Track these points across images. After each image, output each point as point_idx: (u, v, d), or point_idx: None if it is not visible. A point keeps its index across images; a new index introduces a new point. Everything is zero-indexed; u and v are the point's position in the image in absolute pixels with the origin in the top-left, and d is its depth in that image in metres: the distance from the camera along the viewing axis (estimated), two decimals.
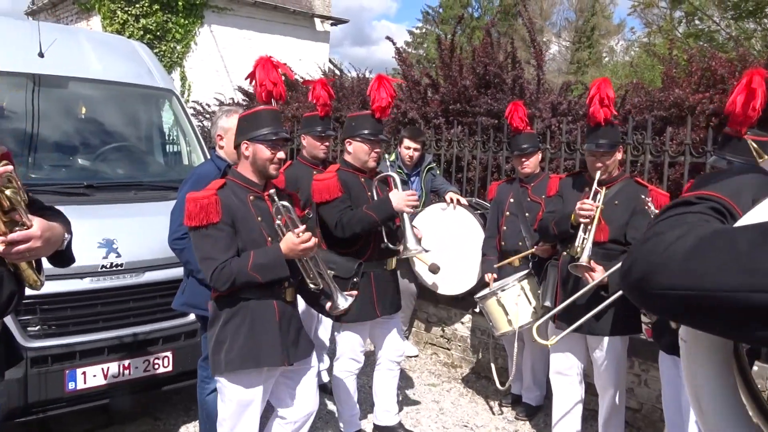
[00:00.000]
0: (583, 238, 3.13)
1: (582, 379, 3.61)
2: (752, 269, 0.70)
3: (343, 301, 2.75)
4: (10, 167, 1.76)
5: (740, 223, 0.83)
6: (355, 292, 2.85)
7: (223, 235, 2.53)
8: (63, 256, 2.03)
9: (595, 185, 3.20)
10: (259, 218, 2.63)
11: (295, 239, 2.56)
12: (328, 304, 2.81)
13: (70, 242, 2.03)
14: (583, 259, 3.07)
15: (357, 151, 3.54)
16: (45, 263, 2.03)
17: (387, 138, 5.41)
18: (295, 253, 2.59)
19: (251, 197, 2.64)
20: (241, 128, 2.68)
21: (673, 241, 0.80)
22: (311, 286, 2.75)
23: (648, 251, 0.83)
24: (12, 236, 1.72)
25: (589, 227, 3.10)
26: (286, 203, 2.66)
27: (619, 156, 3.34)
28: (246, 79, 2.95)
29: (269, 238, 2.61)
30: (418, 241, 3.50)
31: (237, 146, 2.70)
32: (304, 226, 2.63)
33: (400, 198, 3.33)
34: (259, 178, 2.69)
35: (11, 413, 3.22)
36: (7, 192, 1.72)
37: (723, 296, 0.72)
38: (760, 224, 0.76)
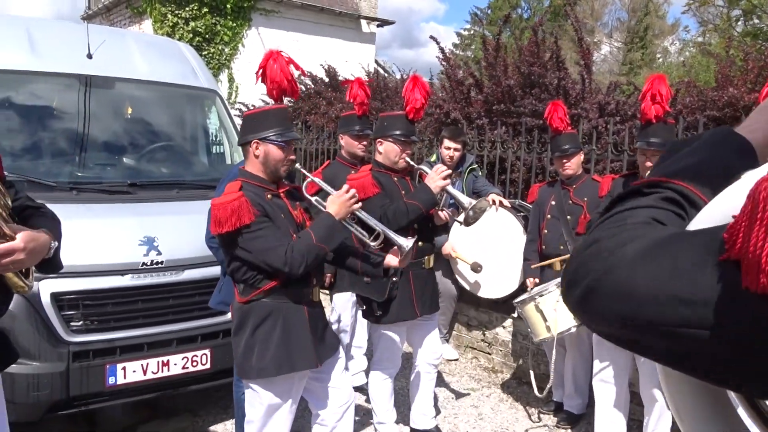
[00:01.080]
0: None
1: (627, 387, 3.47)
2: (689, 300, 0.59)
3: (406, 241, 2.77)
4: None
5: (694, 223, 0.70)
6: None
7: (271, 225, 2.52)
8: (49, 264, 1.98)
9: None
10: (282, 215, 2.62)
11: (338, 195, 2.63)
12: (388, 260, 2.82)
13: (57, 249, 1.98)
14: None
15: (388, 151, 3.49)
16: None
17: (419, 139, 5.35)
18: (344, 209, 2.63)
19: (269, 196, 2.62)
20: (249, 126, 2.64)
21: (611, 250, 0.68)
22: (372, 244, 2.78)
23: (585, 261, 0.71)
24: (2, 246, 1.69)
25: None
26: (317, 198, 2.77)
27: None
28: (258, 77, 2.89)
29: (294, 234, 2.59)
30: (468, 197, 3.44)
31: (244, 144, 2.67)
32: (346, 187, 2.71)
33: (432, 178, 3.27)
34: (270, 178, 2.66)
35: (54, 406, 3.30)
36: None
37: (660, 330, 0.62)
38: (706, 235, 0.63)
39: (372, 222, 2.82)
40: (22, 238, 1.75)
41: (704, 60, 12.28)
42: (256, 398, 2.62)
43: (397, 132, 3.44)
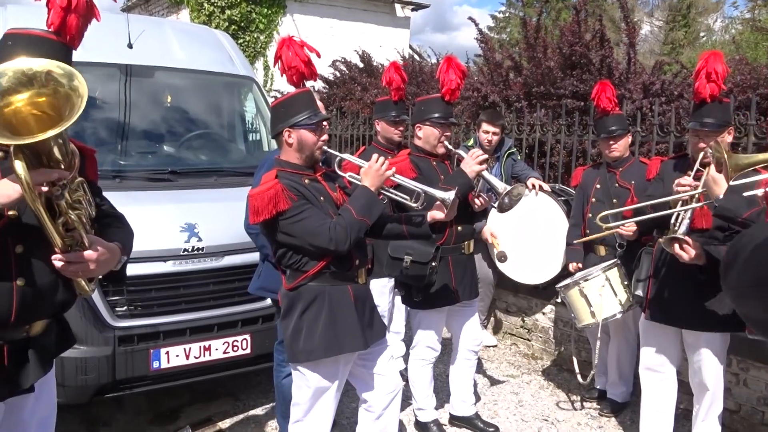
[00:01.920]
0: (680, 214, 2.85)
1: (675, 376, 3.37)
2: None
3: (447, 194, 2.74)
4: (79, 180, 1.80)
5: None
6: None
7: (311, 207, 2.51)
8: (116, 276, 2.06)
9: (697, 165, 2.92)
10: (322, 198, 2.61)
11: (372, 166, 2.61)
12: (432, 214, 2.77)
13: (125, 264, 2.07)
14: (680, 232, 2.80)
15: (427, 135, 3.44)
16: None
17: (458, 121, 5.27)
18: (378, 179, 2.61)
19: (306, 180, 2.61)
20: (279, 116, 2.63)
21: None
22: (414, 205, 2.77)
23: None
24: (69, 256, 1.78)
25: (688, 204, 2.83)
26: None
27: (729, 138, 3.01)
28: (280, 70, 2.87)
29: (334, 216, 2.57)
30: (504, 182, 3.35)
31: (277, 135, 2.66)
32: (375, 155, 2.68)
33: (468, 163, 3.20)
34: (306, 163, 2.65)
35: (101, 389, 3.37)
36: (72, 215, 1.76)
37: None
38: None
39: (410, 184, 2.79)
40: (96, 249, 1.83)
41: (753, 36, 11.80)
42: (304, 381, 2.63)
43: (436, 115, 3.38)
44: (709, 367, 3.11)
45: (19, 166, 1.59)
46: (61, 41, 1.85)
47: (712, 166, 2.50)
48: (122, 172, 3.92)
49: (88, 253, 1.80)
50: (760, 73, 4.40)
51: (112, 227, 2.07)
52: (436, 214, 2.75)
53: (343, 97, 8.85)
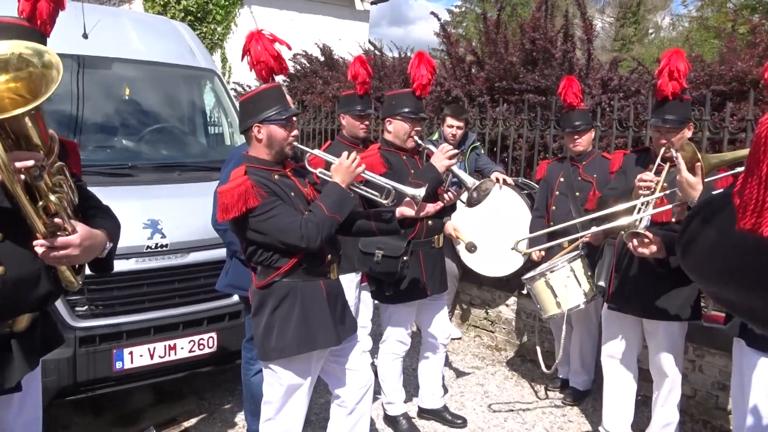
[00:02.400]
0: (640, 208, 2.94)
1: (636, 363, 3.47)
2: None
3: (417, 190, 2.73)
4: (59, 164, 1.74)
5: None
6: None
7: (281, 204, 2.48)
8: (102, 264, 2.01)
9: (658, 160, 3.01)
10: (292, 194, 2.58)
11: (343, 163, 2.59)
12: (401, 210, 2.75)
13: (112, 251, 2.01)
14: (641, 227, 2.88)
15: (397, 129, 3.45)
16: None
17: (428, 116, 5.29)
18: (349, 175, 2.59)
19: (275, 176, 2.57)
20: (248, 111, 2.58)
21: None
22: (384, 201, 2.75)
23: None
24: (51, 241, 1.72)
25: (650, 201, 2.91)
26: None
27: (688, 134, 3.12)
28: (248, 63, 2.82)
29: (305, 212, 2.54)
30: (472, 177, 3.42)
31: (246, 131, 2.61)
32: (345, 153, 2.66)
33: (437, 157, 3.21)
34: (276, 158, 2.61)
35: (62, 392, 3.27)
36: (53, 198, 1.71)
37: None
38: None
39: (380, 181, 2.78)
40: (79, 234, 1.77)
41: (700, 34, 12.20)
42: (276, 378, 2.60)
43: (406, 110, 3.39)
44: (668, 354, 3.23)
45: None
46: (33, 27, 1.80)
47: (683, 169, 2.49)
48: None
49: (71, 238, 1.75)
50: (713, 70, 4.54)
51: (97, 217, 2.00)
52: (405, 211, 2.73)
53: (304, 90, 8.77)
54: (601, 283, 3.33)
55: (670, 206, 2.78)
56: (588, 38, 5.47)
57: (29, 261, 1.80)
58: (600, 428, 3.64)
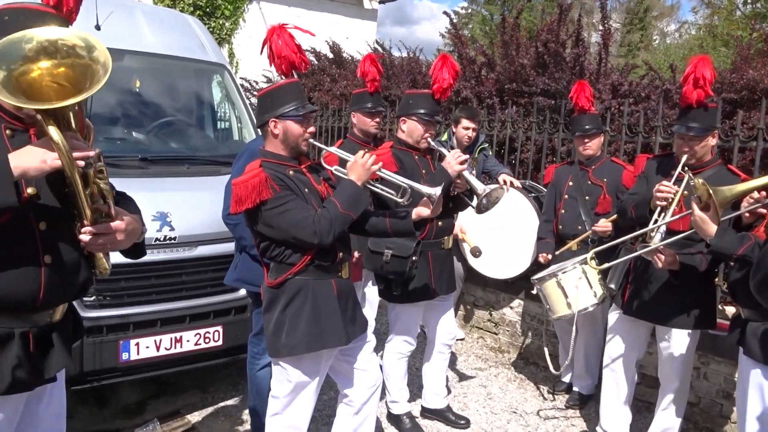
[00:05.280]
0: (656, 221, 2.94)
1: (635, 368, 3.49)
2: None
3: (433, 189, 2.70)
4: (98, 151, 1.75)
5: None
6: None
7: (295, 198, 2.47)
8: (137, 249, 2.03)
9: (678, 169, 3.01)
10: (306, 190, 2.57)
11: (358, 160, 2.58)
12: (418, 211, 2.71)
13: (144, 237, 2.04)
14: (655, 241, 2.90)
15: (411, 130, 3.45)
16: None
17: (442, 120, 5.29)
18: (365, 173, 2.58)
19: (290, 172, 2.57)
20: (265, 105, 2.58)
21: None
22: (399, 200, 2.74)
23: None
24: (98, 228, 1.73)
25: (666, 211, 2.92)
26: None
27: (712, 142, 3.10)
28: (268, 58, 2.80)
29: (318, 209, 2.53)
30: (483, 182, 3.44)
31: (262, 125, 2.61)
32: (361, 152, 2.66)
33: (449, 162, 3.19)
34: (291, 154, 2.61)
35: (68, 381, 3.22)
36: (101, 184, 1.73)
37: None
38: None
39: (396, 179, 2.76)
40: (125, 220, 1.80)
41: (709, 42, 12.19)
42: (284, 375, 2.60)
43: (422, 111, 3.39)
44: (678, 363, 3.23)
45: (54, 132, 1.54)
46: (59, 15, 1.80)
47: (695, 206, 2.51)
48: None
49: (117, 224, 1.76)
50: (724, 78, 4.54)
51: (122, 203, 2.01)
52: (422, 211, 2.70)
53: (312, 87, 8.76)
54: (612, 286, 3.33)
55: (687, 212, 2.76)
56: (605, 43, 5.47)
57: (71, 250, 1.83)
58: (597, 428, 3.66)
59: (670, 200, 2.90)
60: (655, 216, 2.95)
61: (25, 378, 1.80)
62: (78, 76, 1.59)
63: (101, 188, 1.73)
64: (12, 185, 1.59)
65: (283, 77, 2.73)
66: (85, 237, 1.72)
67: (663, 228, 2.94)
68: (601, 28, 5.45)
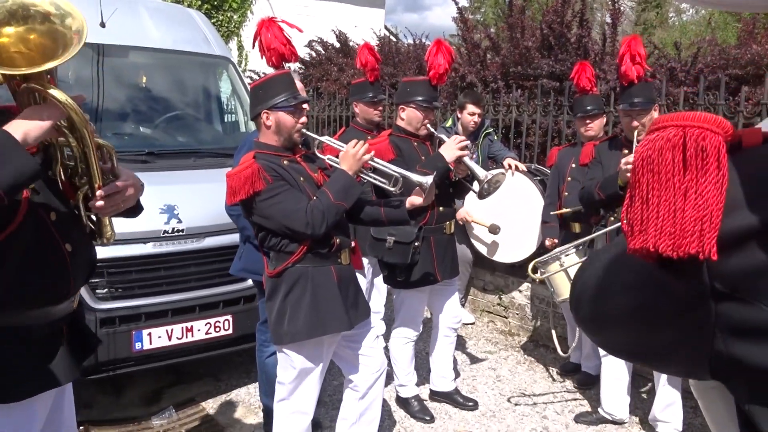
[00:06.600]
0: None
1: None
2: None
3: (425, 178, 2.73)
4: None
5: None
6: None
7: (289, 189, 2.51)
8: (134, 207, 2.00)
9: (635, 144, 3.09)
10: (302, 179, 2.61)
11: (350, 150, 2.62)
12: (411, 200, 2.74)
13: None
14: None
15: (410, 117, 3.47)
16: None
17: (441, 105, 5.30)
18: (357, 163, 2.62)
19: (285, 162, 2.61)
20: (257, 98, 2.62)
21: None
22: (392, 189, 2.78)
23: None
24: (107, 189, 1.72)
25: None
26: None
27: (655, 114, 3.23)
28: (253, 46, 2.87)
29: (314, 197, 2.57)
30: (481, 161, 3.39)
31: (255, 117, 2.65)
32: (353, 141, 2.68)
33: (448, 147, 3.21)
34: (285, 144, 2.65)
35: (84, 371, 3.34)
36: (100, 140, 1.72)
37: None
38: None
39: (388, 168, 2.79)
40: (126, 173, 1.79)
41: (723, 17, 11.99)
42: (288, 362, 2.66)
43: (420, 98, 3.40)
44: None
45: (57, 92, 1.54)
46: None
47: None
48: None
49: (123, 182, 1.76)
50: (729, 54, 4.50)
51: None
52: (415, 200, 2.73)
53: (319, 77, 8.79)
54: None
55: None
56: (613, 23, 5.43)
57: (80, 233, 1.85)
58: (599, 410, 3.69)
59: None
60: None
61: (74, 366, 1.88)
62: (50, 42, 1.56)
63: (102, 144, 1.72)
64: (25, 150, 1.51)
65: (274, 69, 2.77)
66: (98, 203, 1.72)
67: None
68: (611, 6, 5.40)
